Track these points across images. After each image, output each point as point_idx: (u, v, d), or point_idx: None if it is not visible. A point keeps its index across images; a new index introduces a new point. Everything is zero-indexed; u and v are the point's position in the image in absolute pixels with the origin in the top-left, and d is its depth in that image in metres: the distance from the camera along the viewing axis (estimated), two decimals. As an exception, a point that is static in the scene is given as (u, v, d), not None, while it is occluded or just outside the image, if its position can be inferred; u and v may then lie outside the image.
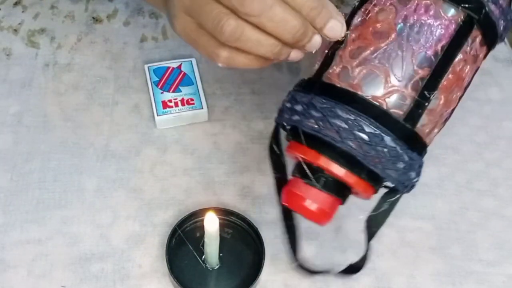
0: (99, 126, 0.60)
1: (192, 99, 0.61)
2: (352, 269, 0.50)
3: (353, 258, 0.54)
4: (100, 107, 0.62)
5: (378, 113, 0.41)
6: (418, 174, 0.44)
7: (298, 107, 0.43)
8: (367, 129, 0.41)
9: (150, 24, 0.68)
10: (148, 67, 0.63)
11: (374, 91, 0.42)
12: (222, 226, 0.49)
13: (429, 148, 0.45)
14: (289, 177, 0.47)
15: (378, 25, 0.43)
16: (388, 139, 0.41)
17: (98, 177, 0.57)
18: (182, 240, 0.52)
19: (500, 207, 0.58)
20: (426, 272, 0.54)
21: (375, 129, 0.41)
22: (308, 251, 0.54)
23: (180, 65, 0.63)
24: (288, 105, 0.44)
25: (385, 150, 0.41)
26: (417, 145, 0.43)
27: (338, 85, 0.42)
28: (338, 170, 0.42)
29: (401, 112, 0.42)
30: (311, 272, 0.52)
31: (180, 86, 0.62)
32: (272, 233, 0.55)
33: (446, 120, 0.46)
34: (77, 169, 0.58)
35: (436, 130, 0.45)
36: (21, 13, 0.68)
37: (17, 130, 0.60)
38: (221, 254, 0.51)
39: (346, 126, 0.41)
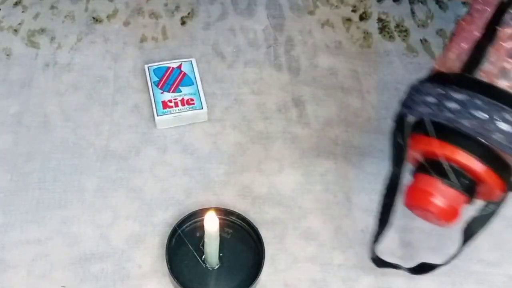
0: (99, 126, 0.60)
1: (192, 99, 0.61)
2: (426, 267, 0.49)
3: (353, 258, 0.54)
4: (100, 107, 0.62)
5: None
6: None
7: (451, 104, 0.41)
8: None
9: (150, 24, 0.68)
10: (148, 67, 0.63)
11: None
12: (222, 226, 0.49)
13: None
14: (408, 175, 0.46)
15: None
16: None
17: (98, 177, 0.57)
18: (182, 240, 0.52)
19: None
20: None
21: None
22: (308, 250, 0.54)
23: (180, 65, 0.63)
24: (433, 100, 0.42)
25: None
26: None
27: (498, 85, 0.41)
28: (477, 165, 0.42)
29: None
30: (385, 264, 0.51)
31: (180, 86, 0.62)
32: (272, 233, 0.55)
33: None
34: (77, 169, 0.58)
35: None
36: (21, 13, 0.68)
37: (17, 130, 0.60)
38: (221, 254, 0.51)
39: (509, 130, 0.40)
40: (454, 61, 0.43)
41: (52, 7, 0.69)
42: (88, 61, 0.65)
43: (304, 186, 0.58)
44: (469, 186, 0.43)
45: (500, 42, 0.42)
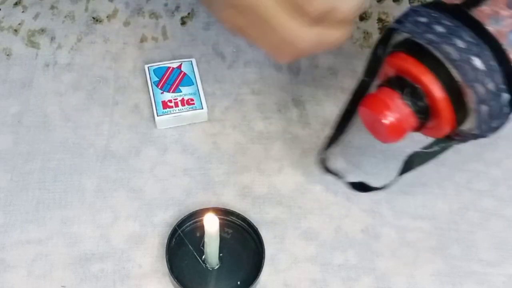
0: (99, 126, 0.60)
1: (192, 99, 0.61)
2: (363, 187, 0.51)
3: (353, 258, 0.54)
4: (100, 107, 0.62)
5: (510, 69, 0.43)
6: (503, 123, 0.45)
7: (439, 28, 0.43)
8: (496, 79, 0.42)
9: (150, 24, 0.68)
10: (148, 67, 0.63)
11: None
12: (222, 226, 0.49)
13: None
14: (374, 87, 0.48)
15: None
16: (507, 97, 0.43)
17: (98, 177, 0.57)
18: (182, 240, 0.52)
19: (500, 207, 0.58)
20: (426, 272, 0.54)
21: (502, 84, 0.42)
22: (308, 250, 0.54)
23: (180, 65, 0.63)
24: (424, 20, 0.44)
25: (503, 106, 0.43)
26: None
27: (487, 27, 0.43)
28: (437, 91, 0.44)
29: None
30: (327, 171, 0.53)
31: (180, 86, 0.62)
32: (272, 233, 0.55)
33: None
34: (77, 169, 0.58)
35: None
36: (21, 13, 0.68)
37: (17, 130, 0.60)
38: (221, 254, 0.51)
39: (481, 68, 0.42)
40: None
41: (52, 7, 0.69)
42: (88, 61, 0.65)
43: (304, 186, 0.58)
44: (423, 111, 0.45)
45: None
